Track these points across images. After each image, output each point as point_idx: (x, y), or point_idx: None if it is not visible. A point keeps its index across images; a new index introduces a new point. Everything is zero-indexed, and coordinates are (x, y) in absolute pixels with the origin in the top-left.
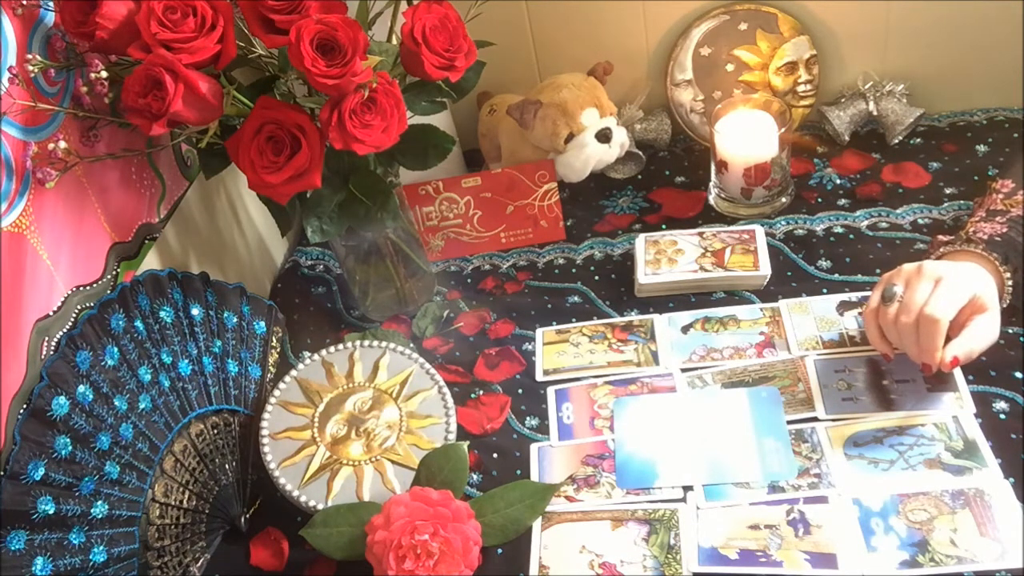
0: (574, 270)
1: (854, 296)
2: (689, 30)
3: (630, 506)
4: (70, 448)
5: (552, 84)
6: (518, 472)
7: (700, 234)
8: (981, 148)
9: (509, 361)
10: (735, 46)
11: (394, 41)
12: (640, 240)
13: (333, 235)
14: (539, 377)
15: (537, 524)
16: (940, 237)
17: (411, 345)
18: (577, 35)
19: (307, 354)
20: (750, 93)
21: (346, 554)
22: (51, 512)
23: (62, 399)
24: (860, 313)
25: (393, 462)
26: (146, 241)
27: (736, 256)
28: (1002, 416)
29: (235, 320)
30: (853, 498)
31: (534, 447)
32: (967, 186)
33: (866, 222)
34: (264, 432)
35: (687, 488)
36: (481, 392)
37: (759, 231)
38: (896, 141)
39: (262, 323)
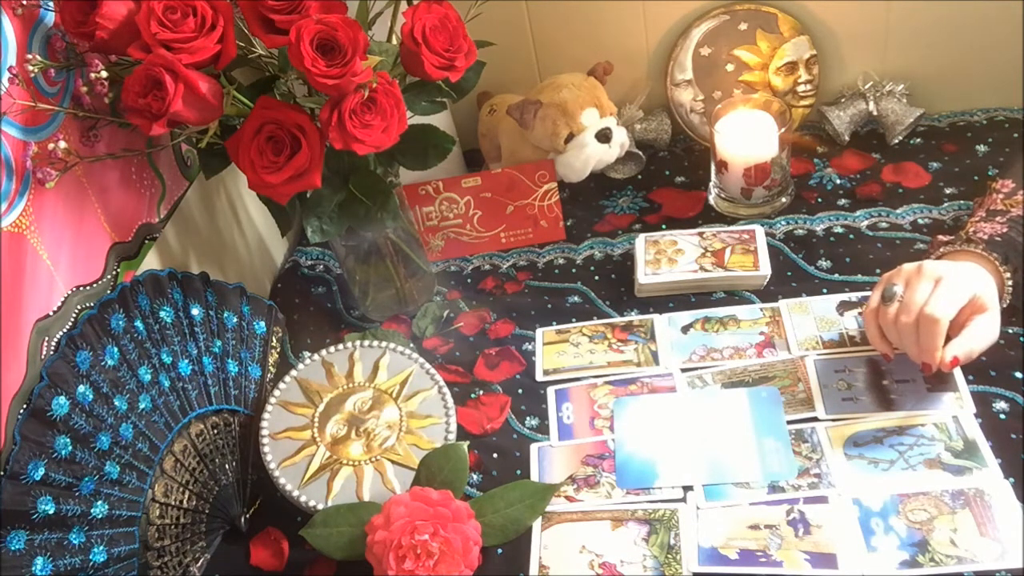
0: (574, 270)
1: (854, 296)
2: (689, 30)
3: (630, 506)
4: (70, 448)
5: (552, 84)
6: (518, 472)
7: (700, 234)
8: (981, 148)
9: (509, 361)
10: (735, 46)
11: (394, 41)
12: (640, 240)
13: (333, 235)
14: (539, 377)
15: (537, 524)
16: (940, 237)
17: (411, 345)
18: (577, 35)
19: (307, 354)
20: (750, 93)
21: (346, 554)
22: (51, 512)
23: (62, 399)
24: (860, 313)
25: (393, 462)
26: (146, 241)
27: (736, 256)
28: (1002, 416)
29: (235, 320)
30: (853, 498)
31: (534, 447)
32: (967, 186)
33: (866, 222)
34: (264, 432)
35: (687, 488)
36: (481, 392)
37: (759, 231)
38: (896, 141)
39: (262, 323)
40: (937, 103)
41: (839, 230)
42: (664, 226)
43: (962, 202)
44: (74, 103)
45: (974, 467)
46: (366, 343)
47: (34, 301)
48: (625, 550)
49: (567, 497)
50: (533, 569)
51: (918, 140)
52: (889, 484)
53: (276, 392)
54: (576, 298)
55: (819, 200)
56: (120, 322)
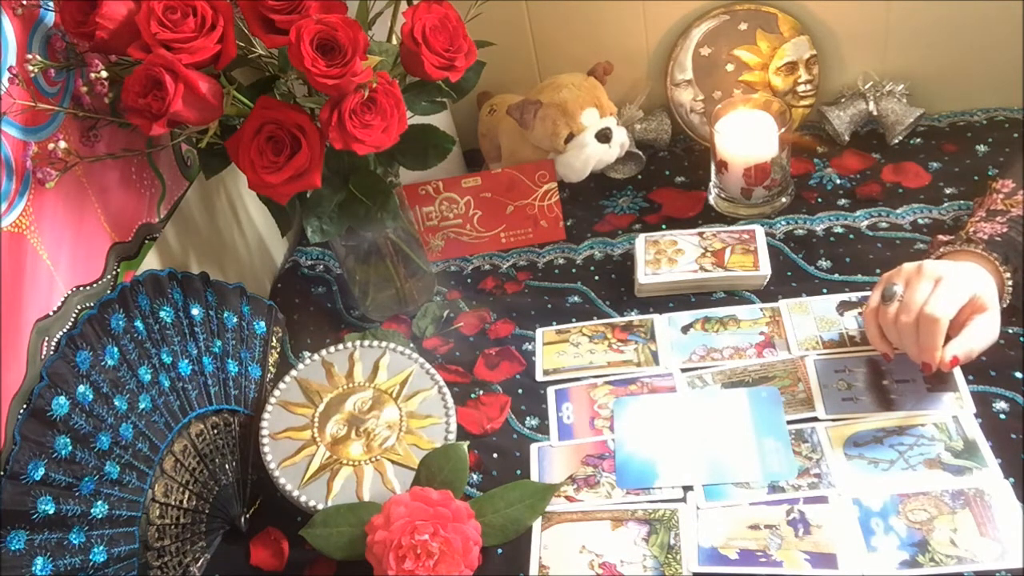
0: (574, 270)
1: (854, 296)
2: (689, 30)
3: (630, 506)
4: (70, 448)
5: (552, 84)
6: (518, 472)
7: (700, 234)
8: (981, 148)
9: (509, 361)
10: (735, 46)
11: (394, 41)
12: (640, 240)
13: (333, 235)
14: (539, 377)
15: (537, 524)
16: (940, 237)
17: (411, 345)
18: (577, 35)
19: (307, 354)
20: (750, 93)
21: (346, 554)
22: (51, 512)
23: (62, 399)
24: (860, 313)
25: (393, 462)
26: (146, 241)
27: (736, 256)
28: (1002, 416)
29: (235, 320)
30: (853, 498)
31: (534, 447)
32: (967, 186)
33: (866, 222)
34: (264, 432)
35: (687, 488)
36: (481, 392)
37: (759, 231)
38: (896, 141)
39: (262, 323)
40: (937, 103)
41: (839, 230)
42: (664, 226)
43: (962, 202)
44: (74, 103)
45: (974, 467)
46: (366, 343)
47: (34, 301)
48: (625, 550)
49: (567, 497)
50: (533, 569)
51: (918, 140)
52: (889, 484)
53: (276, 392)
54: (576, 298)
55: (819, 200)
56: (120, 322)
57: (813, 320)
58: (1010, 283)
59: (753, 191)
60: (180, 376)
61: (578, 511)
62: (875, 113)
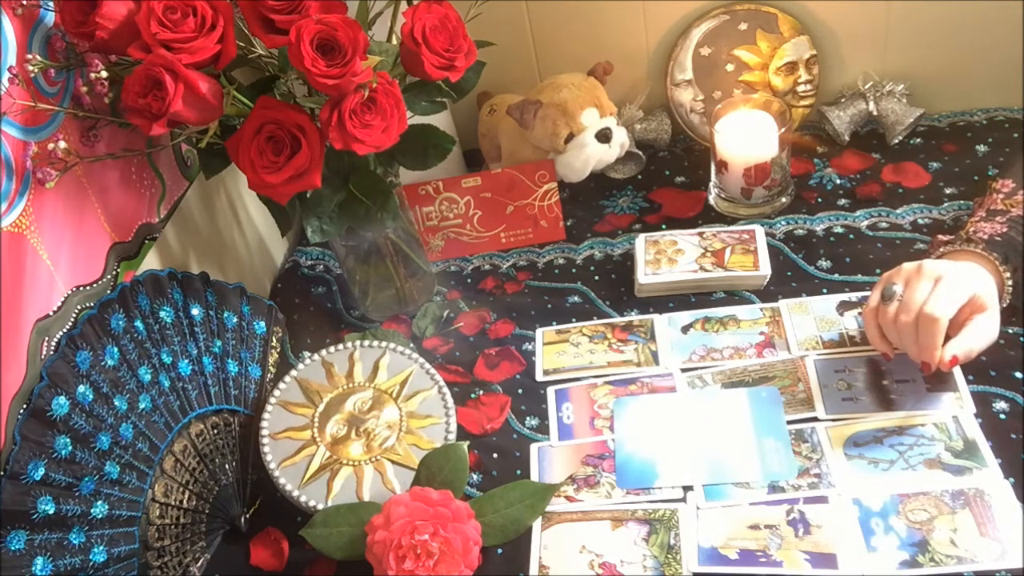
0: (574, 270)
1: (854, 296)
2: (689, 30)
3: (630, 506)
4: (70, 448)
5: (552, 84)
6: (518, 472)
7: (700, 234)
8: (981, 148)
9: (509, 361)
10: (735, 46)
11: (394, 41)
12: (640, 240)
13: (333, 235)
14: (539, 377)
15: (537, 524)
16: (940, 237)
17: (411, 345)
18: (577, 35)
19: (307, 354)
20: (750, 93)
21: (346, 554)
22: (51, 512)
23: (62, 399)
24: (860, 313)
25: (393, 462)
26: (146, 241)
27: (736, 256)
28: (1002, 416)
29: (235, 320)
30: (853, 498)
31: (534, 447)
32: (967, 186)
33: (866, 222)
34: (264, 432)
35: (687, 488)
36: (481, 392)
37: (759, 231)
38: (896, 141)
39: (262, 323)
40: (937, 103)
41: (839, 230)
42: (664, 226)
43: (962, 202)
44: (74, 103)
45: (974, 467)
46: (366, 343)
47: (34, 301)
48: (625, 550)
49: (567, 497)
50: (533, 569)
51: (918, 140)
52: (889, 484)
53: (276, 392)
54: (576, 298)
55: (819, 200)
56: (120, 322)
57: (813, 320)
58: (1010, 283)
59: (753, 191)
60: (180, 376)
61: (578, 511)
62: (875, 113)
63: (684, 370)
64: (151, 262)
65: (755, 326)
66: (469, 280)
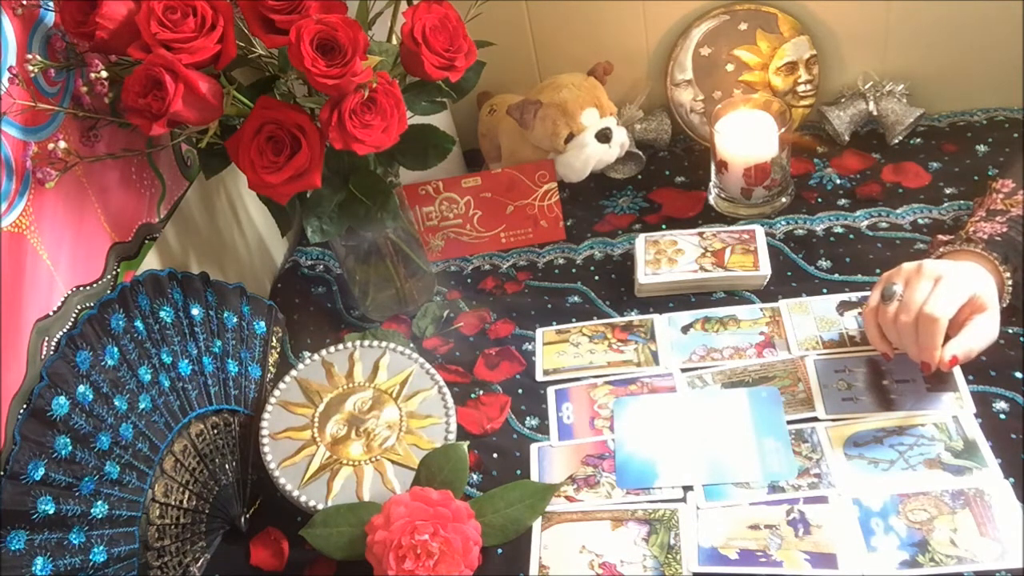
0: (574, 270)
1: (854, 296)
2: (689, 30)
3: (630, 506)
4: (70, 448)
5: (552, 84)
6: (518, 472)
7: (700, 234)
8: (981, 148)
9: (509, 361)
10: (735, 46)
11: (394, 41)
12: (640, 240)
13: (333, 235)
14: (539, 377)
15: (537, 524)
16: (940, 237)
17: (411, 345)
18: (577, 35)
19: (307, 354)
20: (750, 93)
21: (346, 554)
22: (51, 512)
23: (62, 399)
24: (860, 313)
25: (393, 462)
26: (146, 241)
27: (736, 256)
28: (1002, 416)
29: (235, 320)
30: (853, 498)
31: (534, 447)
32: (967, 186)
33: (866, 222)
34: (264, 432)
35: (687, 488)
36: (481, 392)
37: (759, 231)
38: (896, 141)
39: (262, 323)
40: (937, 103)
41: (839, 230)
42: (664, 226)
43: (962, 202)
44: (74, 103)
45: (974, 467)
46: (366, 343)
47: (34, 301)
48: (625, 550)
49: (567, 497)
50: (533, 569)
51: (918, 140)
52: (889, 484)
53: (276, 392)
54: (576, 298)
55: (819, 200)
56: (120, 322)
57: (813, 320)
58: (1010, 283)
59: (753, 191)
60: (180, 376)
61: (578, 511)
62: (875, 113)
63: (684, 370)
64: (151, 262)
65: (755, 326)
66: (469, 280)
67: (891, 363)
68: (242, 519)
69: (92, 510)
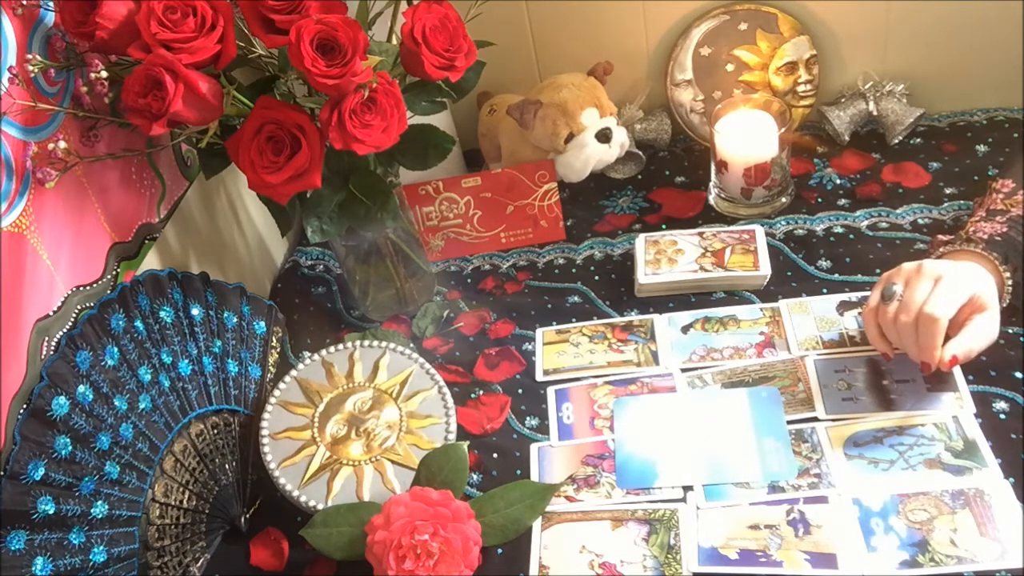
0: (574, 270)
1: (854, 296)
2: (689, 30)
3: (630, 506)
4: (70, 448)
5: (552, 84)
6: (518, 472)
7: (700, 234)
8: (981, 148)
9: (509, 361)
10: (735, 46)
11: (394, 41)
12: (640, 240)
13: (333, 235)
14: (539, 377)
15: (537, 524)
16: (940, 237)
17: (411, 345)
18: (577, 35)
19: (307, 354)
20: (750, 93)
21: (346, 554)
22: (51, 512)
23: (62, 399)
24: (860, 313)
25: (393, 462)
26: (146, 241)
27: (736, 256)
28: (1002, 416)
29: (235, 320)
30: (853, 498)
31: (534, 447)
32: (967, 186)
33: (866, 222)
34: (264, 432)
35: (687, 488)
36: (481, 392)
37: (759, 231)
38: (896, 141)
39: (262, 323)
40: (937, 103)
41: (839, 230)
42: (664, 226)
43: (962, 202)
44: (74, 103)
45: (974, 467)
46: (366, 343)
47: (34, 301)
48: (625, 550)
49: (567, 497)
50: (533, 569)
51: (918, 140)
52: (889, 484)
53: (276, 392)
54: (576, 298)
55: (819, 200)
56: (120, 322)
57: (813, 320)
58: (1010, 283)
59: (753, 191)
60: (180, 376)
61: (578, 511)
62: (875, 113)
63: (684, 370)
64: (151, 262)
65: (755, 326)
66: (469, 280)
67: (891, 363)
68: (242, 519)
69: (92, 510)
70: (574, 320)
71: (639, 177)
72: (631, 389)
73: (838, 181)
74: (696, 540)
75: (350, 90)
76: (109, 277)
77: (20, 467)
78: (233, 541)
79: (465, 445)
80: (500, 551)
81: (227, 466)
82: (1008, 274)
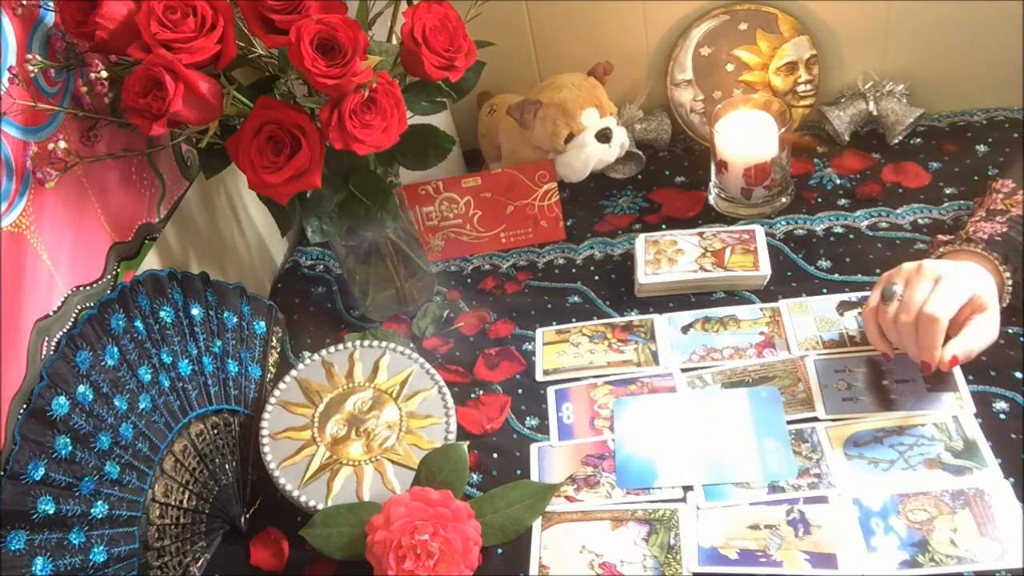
0: (574, 270)
1: (854, 296)
2: (689, 30)
3: (630, 506)
4: (70, 448)
5: (552, 84)
6: (518, 472)
7: (700, 234)
8: (981, 148)
9: (509, 361)
10: (735, 46)
11: (394, 41)
12: (640, 240)
13: (333, 235)
14: (539, 377)
15: (537, 524)
16: (940, 237)
17: (411, 345)
18: (577, 35)
19: (307, 354)
20: (750, 93)
21: (346, 554)
22: (51, 512)
23: (62, 399)
24: (860, 313)
25: (393, 462)
26: (146, 241)
27: (736, 256)
28: (1002, 416)
29: (235, 320)
30: (853, 498)
31: (534, 447)
32: (967, 186)
33: (866, 222)
34: (264, 432)
35: (687, 488)
36: (481, 392)
37: (759, 231)
38: (896, 141)
39: (262, 323)
40: (937, 103)
41: (839, 230)
42: (664, 226)
43: (962, 202)
44: (74, 103)
45: (974, 467)
46: (366, 343)
47: (34, 301)
48: (625, 550)
49: (567, 497)
50: (533, 569)
51: (918, 140)
52: (889, 484)
53: (276, 392)
54: (576, 298)
55: (819, 200)
56: (120, 322)
57: (813, 320)
58: (1010, 283)
59: (753, 191)
60: (180, 376)
61: (578, 511)
62: (875, 113)
63: (684, 370)
64: (151, 262)
65: (755, 326)
66: (469, 280)
67: (891, 363)
68: (242, 519)
69: (92, 510)
70: (574, 320)
71: (639, 177)
72: (631, 389)
73: (838, 181)
74: (696, 540)
75: (350, 90)
76: (109, 277)
77: (20, 467)
78: (233, 541)
79: (465, 445)
80: (500, 551)
81: (227, 466)
82: (1008, 274)
